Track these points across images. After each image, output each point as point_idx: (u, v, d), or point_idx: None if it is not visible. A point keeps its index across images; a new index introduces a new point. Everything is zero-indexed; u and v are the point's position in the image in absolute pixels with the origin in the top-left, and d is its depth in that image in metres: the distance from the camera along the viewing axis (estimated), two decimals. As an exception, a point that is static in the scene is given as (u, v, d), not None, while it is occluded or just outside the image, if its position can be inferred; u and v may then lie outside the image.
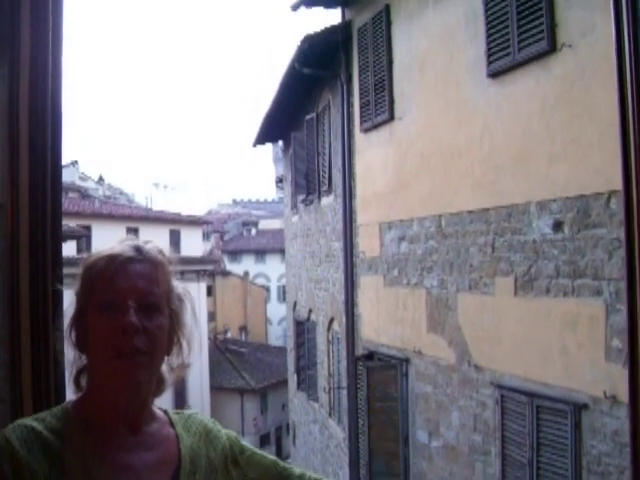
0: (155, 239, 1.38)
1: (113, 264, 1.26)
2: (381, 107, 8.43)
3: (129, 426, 1.28)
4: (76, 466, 1.18)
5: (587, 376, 4.95)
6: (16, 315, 1.54)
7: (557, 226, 5.32)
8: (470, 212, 6.57)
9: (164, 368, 1.35)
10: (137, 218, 27.28)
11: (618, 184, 4.47)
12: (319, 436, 12.40)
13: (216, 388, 28.96)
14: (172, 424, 1.37)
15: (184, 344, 1.37)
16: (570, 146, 5.19)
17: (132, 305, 1.23)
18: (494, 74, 6.09)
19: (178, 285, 1.37)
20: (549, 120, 5.44)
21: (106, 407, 1.26)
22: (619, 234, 4.67)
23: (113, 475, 1.21)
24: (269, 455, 1.48)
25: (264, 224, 48.01)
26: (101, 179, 45.63)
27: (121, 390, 1.24)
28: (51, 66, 1.61)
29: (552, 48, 5.30)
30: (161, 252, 1.35)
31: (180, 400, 24.01)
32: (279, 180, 19.17)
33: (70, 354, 1.32)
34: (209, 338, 30.35)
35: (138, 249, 1.30)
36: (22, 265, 1.54)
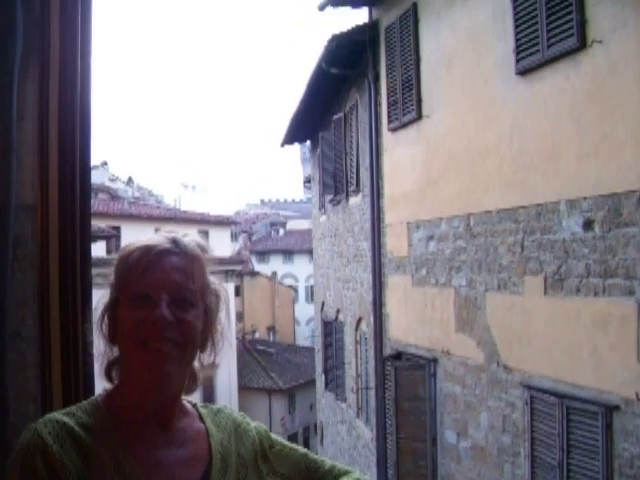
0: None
1: (148, 255, 1.24)
2: (409, 106, 8.40)
3: (160, 421, 1.26)
4: (108, 462, 1.16)
5: (618, 377, 4.88)
6: (46, 315, 1.55)
7: (587, 225, 5.25)
8: (499, 211, 6.51)
9: (196, 365, 1.33)
10: (166, 219, 27.48)
11: (650, 182, 4.42)
12: (347, 436, 12.38)
13: (244, 388, 29.09)
14: (201, 418, 1.35)
15: (217, 341, 1.34)
16: (601, 144, 5.11)
17: (165, 298, 1.21)
18: (523, 71, 6.03)
19: (214, 281, 1.34)
20: (579, 117, 5.37)
21: (137, 401, 1.24)
22: (651, 233, 4.60)
23: (145, 471, 1.19)
24: (299, 448, 1.45)
25: (292, 224, 48.12)
26: (130, 180, 46.15)
27: (150, 383, 1.22)
28: (80, 68, 1.63)
29: (582, 44, 5.23)
30: (199, 246, 1.31)
31: (209, 400, 24.16)
32: (307, 180, 19.17)
33: (101, 347, 1.30)
34: (237, 338, 30.48)
35: (175, 241, 1.27)
36: (52, 265, 1.56)
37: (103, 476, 1.16)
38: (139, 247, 1.26)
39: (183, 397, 1.34)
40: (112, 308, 1.27)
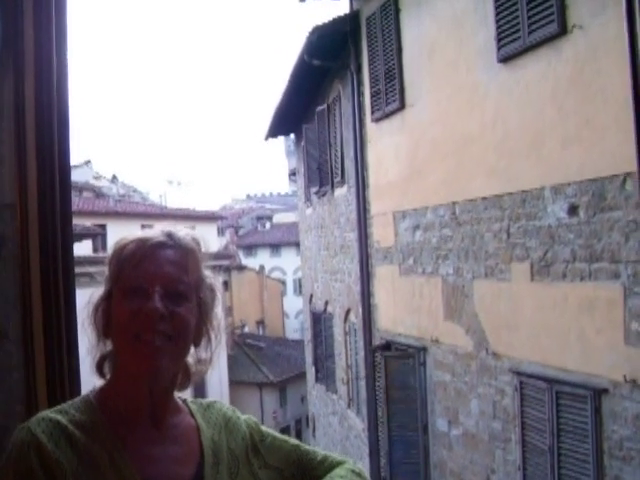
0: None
1: (142, 248, 1.23)
2: (392, 96, 8.39)
3: (153, 418, 1.25)
4: (103, 460, 1.16)
5: (606, 360, 4.91)
6: (29, 315, 1.53)
7: (572, 210, 5.27)
8: (484, 199, 6.53)
9: (190, 360, 1.32)
10: (152, 215, 27.30)
11: (633, 165, 4.45)
12: (338, 427, 12.41)
13: (235, 382, 29.05)
14: (192, 414, 1.35)
15: (212, 336, 1.34)
16: (584, 129, 5.13)
17: (158, 291, 1.20)
18: (505, 59, 6.03)
19: (209, 275, 1.33)
20: (562, 103, 5.38)
21: (129, 395, 1.23)
22: (635, 216, 4.63)
23: (140, 468, 1.18)
24: (290, 439, 1.44)
25: (278, 218, 48.06)
26: (115, 178, 45.84)
27: (142, 376, 1.21)
28: (56, 65, 1.60)
29: (563, 30, 5.23)
30: (195, 240, 1.31)
31: (200, 395, 24.07)
32: (292, 173, 19.14)
33: (93, 341, 1.28)
34: (226, 333, 30.40)
35: (170, 235, 1.27)
36: (33, 264, 1.54)
37: (98, 473, 1.15)
38: (133, 240, 1.26)
39: (175, 393, 1.33)
40: (106, 301, 1.26)
